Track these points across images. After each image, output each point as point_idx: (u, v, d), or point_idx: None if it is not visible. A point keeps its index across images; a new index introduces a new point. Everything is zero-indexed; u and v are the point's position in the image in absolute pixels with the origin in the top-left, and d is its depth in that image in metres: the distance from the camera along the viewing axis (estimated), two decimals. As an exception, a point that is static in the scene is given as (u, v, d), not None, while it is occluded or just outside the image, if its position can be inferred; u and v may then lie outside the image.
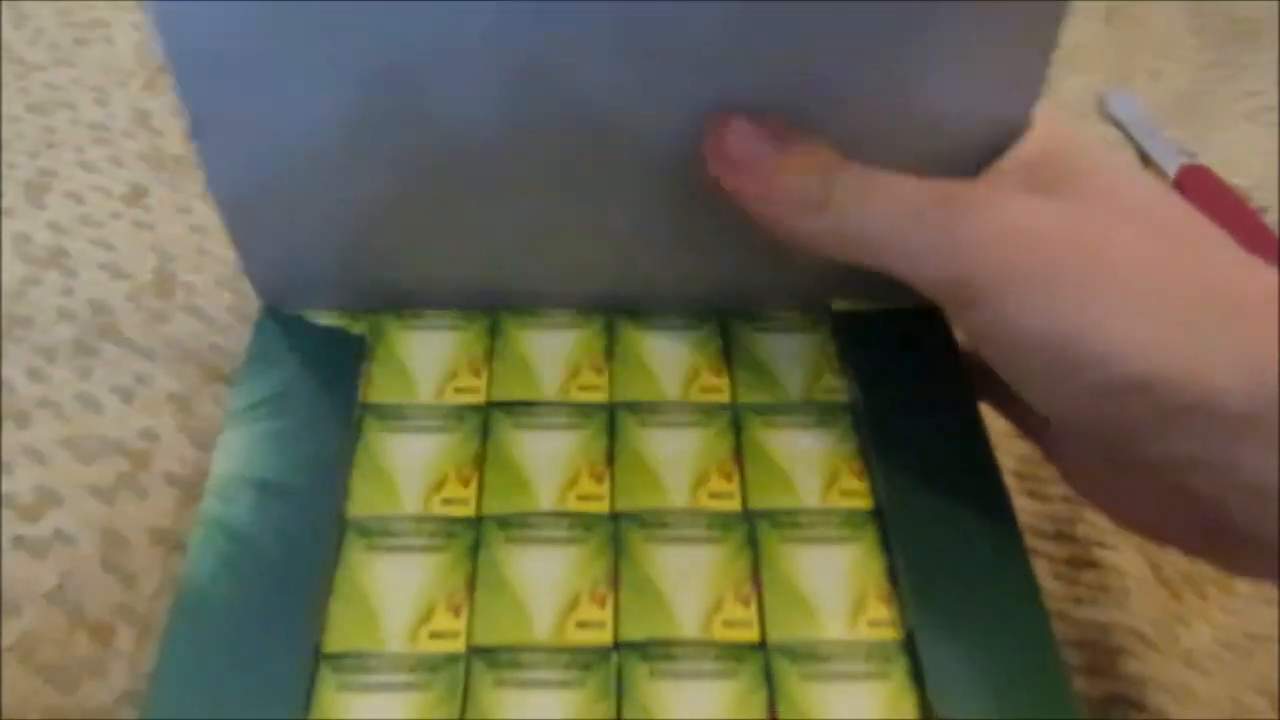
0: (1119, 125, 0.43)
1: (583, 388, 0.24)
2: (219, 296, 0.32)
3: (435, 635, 0.20)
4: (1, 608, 0.24)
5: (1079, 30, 0.48)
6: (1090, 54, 0.47)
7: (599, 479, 0.22)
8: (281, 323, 0.25)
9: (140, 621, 0.24)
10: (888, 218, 0.20)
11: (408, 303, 0.25)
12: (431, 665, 0.19)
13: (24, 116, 0.36)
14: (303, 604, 0.20)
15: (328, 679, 0.19)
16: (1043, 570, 0.28)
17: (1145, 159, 0.42)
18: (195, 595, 0.20)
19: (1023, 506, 0.29)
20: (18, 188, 0.34)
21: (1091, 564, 0.28)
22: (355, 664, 0.19)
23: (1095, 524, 0.29)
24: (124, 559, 0.25)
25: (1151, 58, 0.47)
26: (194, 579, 0.20)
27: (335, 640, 0.20)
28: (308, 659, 0.19)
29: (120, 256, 0.32)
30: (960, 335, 0.25)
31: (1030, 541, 0.29)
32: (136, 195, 0.34)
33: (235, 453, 0.22)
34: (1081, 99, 0.44)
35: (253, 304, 0.31)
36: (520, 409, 0.23)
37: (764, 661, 0.20)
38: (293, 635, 0.19)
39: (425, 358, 0.24)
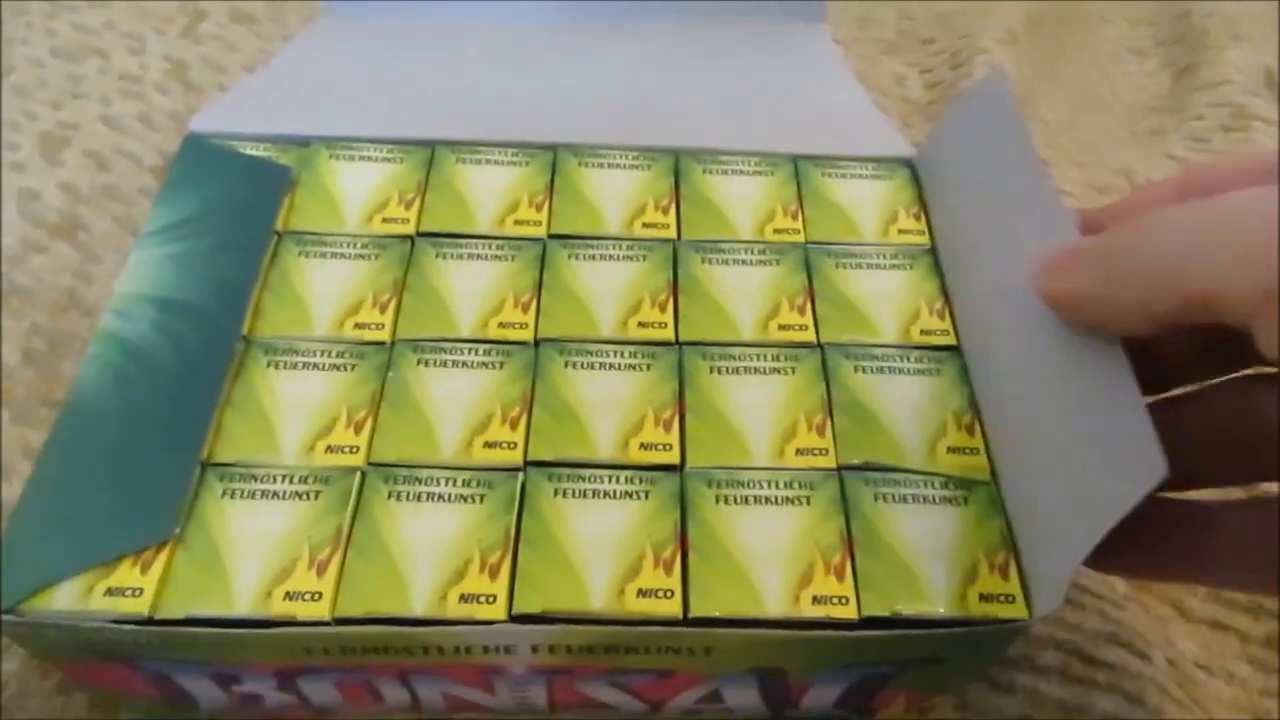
0: (1294, 103, 0.37)
1: (519, 222, 0.23)
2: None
3: (332, 450, 0.19)
4: None
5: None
6: (1252, 23, 0.40)
7: (525, 309, 0.21)
8: (205, 150, 0.24)
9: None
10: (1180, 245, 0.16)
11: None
12: (324, 477, 0.18)
13: (48, 61, 0.32)
14: (191, 413, 0.19)
15: (212, 487, 0.18)
16: (1232, 650, 0.23)
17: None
18: (80, 405, 0.19)
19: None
20: (33, 139, 0.30)
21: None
22: (244, 473, 0.18)
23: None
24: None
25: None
26: (81, 389, 0.19)
27: (225, 450, 0.19)
28: (190, 466, 0.18)
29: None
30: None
31: (1222, 615, 0.24)
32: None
33: (140, 273, 0.21)
34: (1248, 73, 0.38)
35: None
36: (446, 240, 0.23)
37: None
38: (177, 443, 0.19)
39: (354, 188, 0.24)
